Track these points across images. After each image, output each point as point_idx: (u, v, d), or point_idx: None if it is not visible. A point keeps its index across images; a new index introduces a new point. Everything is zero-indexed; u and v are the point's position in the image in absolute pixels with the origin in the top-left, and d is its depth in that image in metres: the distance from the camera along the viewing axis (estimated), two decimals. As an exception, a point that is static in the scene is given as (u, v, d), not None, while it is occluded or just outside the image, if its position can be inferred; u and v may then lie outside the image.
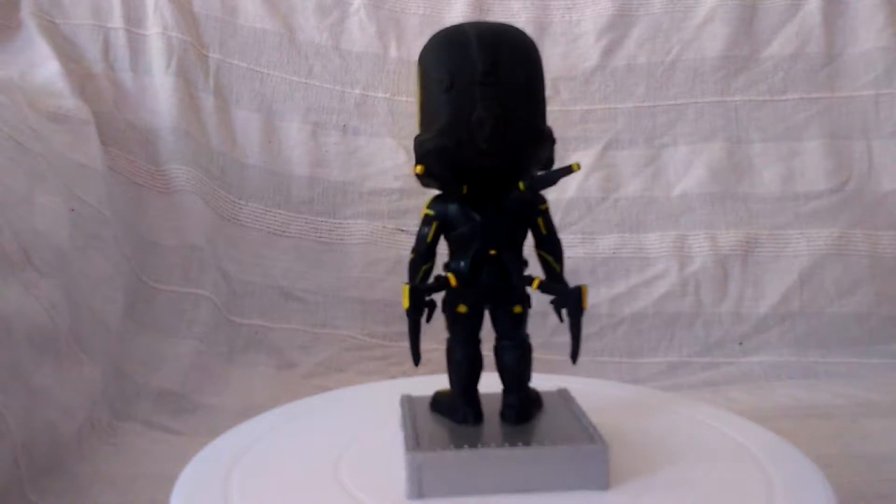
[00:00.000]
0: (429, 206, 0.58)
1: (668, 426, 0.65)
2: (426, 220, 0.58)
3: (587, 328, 1.18)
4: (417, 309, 0.56)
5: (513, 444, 0.54)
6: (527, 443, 0.54)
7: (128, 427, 0.94)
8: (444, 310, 0.59)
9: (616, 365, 1.18)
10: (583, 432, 0.57)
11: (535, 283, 0.58)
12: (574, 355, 0.59)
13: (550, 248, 0.59)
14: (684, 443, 0.62)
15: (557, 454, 0.54)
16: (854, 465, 0.83)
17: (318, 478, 0.56)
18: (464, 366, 0.59)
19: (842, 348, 1.16)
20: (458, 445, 0.53)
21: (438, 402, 0.61)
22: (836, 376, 1.12)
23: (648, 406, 0.71)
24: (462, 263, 0.57)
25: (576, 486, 0.53)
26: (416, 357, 0.57)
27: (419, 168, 0.55)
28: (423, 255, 0.58)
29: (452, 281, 0.57)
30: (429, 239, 0.58)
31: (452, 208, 0.57)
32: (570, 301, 0.57)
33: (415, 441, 0.54)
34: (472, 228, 0.57)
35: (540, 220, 0.59)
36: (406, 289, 0.56)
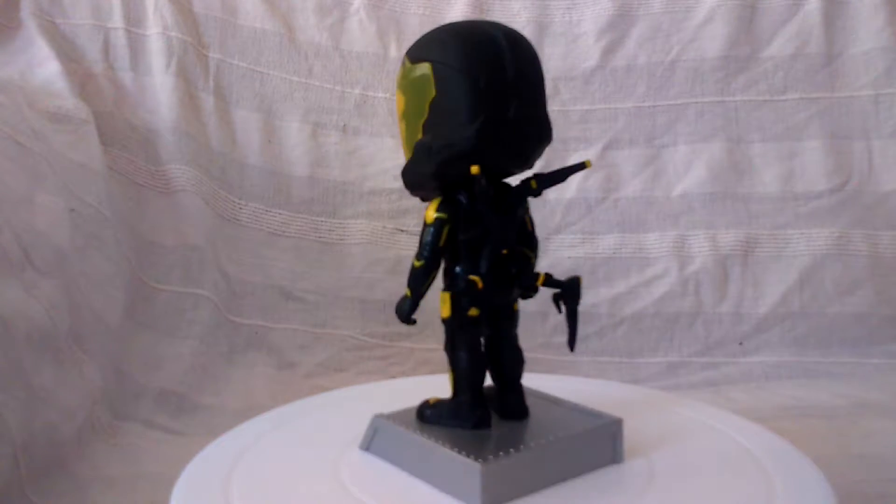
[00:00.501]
0: (438, 210, 0.55)
1: (668, 426, 0.65)
2: (438, 224, 0.55)
3: (587, 328, 1.19)
4: (458, 317, 0.55)
5: (556, 438, 0.55)
6: (563, 435, 0.55)
7: (128, 427, 0.94)
8: (451, 317, 0.56)
9: (616, 365, 1.18)
10: (587, 412, 0.59)
11: (542, 279, 0.58)
12: (571, 343, 0.59)
13: (531, 243, 0.60)
14: (684, 443, 0.62)
15: (588, 438, 0.56)
16: (854, 465, 0.83)
17: (318, 478, 0.56)
18: (475, 371, 0.58)
19: (842, 348, 1.16)
20: (516, 449, 0.53)
21: (436, 413, 0.59)
22: (836, 376, 1.12)
23: (648, 406, 0.71)
24: (480, 265, 0.56)
25: (596, 464, 0.56)
26: (463, 361, 0.57)
27: (476, 168, 0.53)
28: (432, 261, 0.55)
29: (479, 283, 0.55)
30: (441, 243, 0.55)
31: (463, 210, 0.55)
32: (571, 292, 0.58)
33: (470, 450, 0.52)
34: (489, 229, 0.56)
35: (526, 217, 0.60)
36: (447, 296, 0.54)
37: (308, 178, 1.24)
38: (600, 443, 0.57)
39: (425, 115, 0.55)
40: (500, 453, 0.52)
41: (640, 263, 1.23)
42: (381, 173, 1.26)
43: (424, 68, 0.55)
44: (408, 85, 0.56)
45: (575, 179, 1.24)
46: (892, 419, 0.96)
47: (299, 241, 1.22)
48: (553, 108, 1.26)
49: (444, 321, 0.55)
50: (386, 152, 1.27)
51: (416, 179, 0.57)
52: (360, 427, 0.62)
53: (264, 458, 0.60)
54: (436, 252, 0.55)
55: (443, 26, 0.57)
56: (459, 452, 0.52)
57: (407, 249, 1.22)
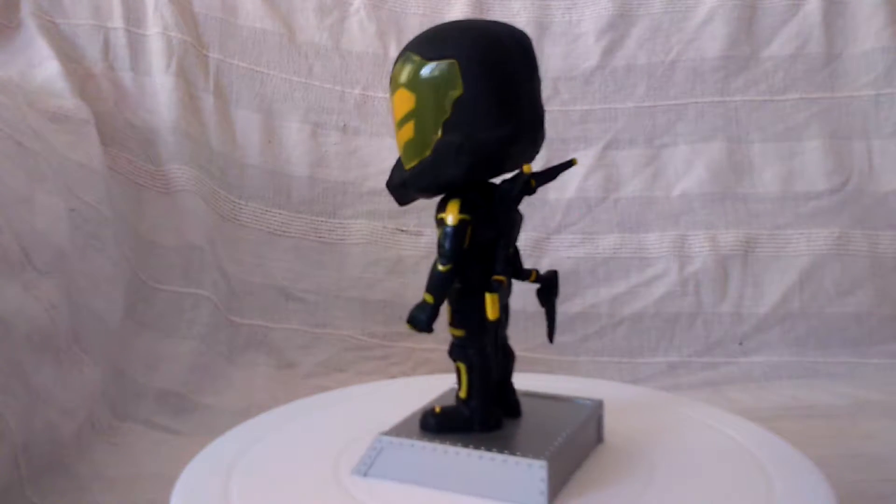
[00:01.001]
0: (461, 211, 0.53)
1: (668, 426, 0.65)
2: (462, 226, 0.53)
3: (587, 328, 1.19)
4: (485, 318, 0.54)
5: (574, 428, 0.56)
6: (576, 424, 0.57)
7: (128, 427, 0.94)
8: (466, 319, 0.56)
9: (616, 365, 1.18)
10: (567, 400, 0.62)
11: (533, 276, 0.58)
12: (550, 336, 0.59)
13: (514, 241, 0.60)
14: (684, 443, 0.62)
15: (589, 423, 0.59)
16: (854, 465, 0.83)
17: (318, 478, 0.56)
18: (489, 372, 0.57)
19: (842, 348, 1.16)
20: (555, 443, 0.53)
21: (444, 420, 0.57)
22: (836, 376, 1.12)
23: (648, 406, 0.71)
24: (496, 265, 0.55)
25: (590, 448, 0.60)
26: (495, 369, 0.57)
27: (528, 167, 0.53)
28: (457, 265, 0.53)
29: (505, 283, 0.55)
30: (466, 245, 0.53)
31: (481, 210, 0.54)
32: (549, 285, 0.59)
33: (525, 450, 0.52)
34: (501, 228, 0.56)
35: None
36: (494, 298, 0.53)
37: (308, 178, 1.24)
38: (593, 426, 0.60)
39: (447, 114, 0.53)
40: (551, 448, 0.52)
41: (640, 263, 1.23)
42: (381, 173, 1.26)
43: (449, 65, 0.52)
44: (422, 82, 0.54)
45: (575, 180, 1.25)
46: (892, 419, 0.96)
47: (299, 241, 1.22)
48: (553, 108, 1.26)
49: (488, 324, 0.54)
50: (386, 152, 1.27)
51: (435, 181, 0.55)
52: (360, 427, 0.62)
53: (264, 458, 0.60)
54: (460, 255, 0.53)
55: (454, 24, 0.57)
56: (514, 454, 0.52)
57: (407, 249, 1.22)
